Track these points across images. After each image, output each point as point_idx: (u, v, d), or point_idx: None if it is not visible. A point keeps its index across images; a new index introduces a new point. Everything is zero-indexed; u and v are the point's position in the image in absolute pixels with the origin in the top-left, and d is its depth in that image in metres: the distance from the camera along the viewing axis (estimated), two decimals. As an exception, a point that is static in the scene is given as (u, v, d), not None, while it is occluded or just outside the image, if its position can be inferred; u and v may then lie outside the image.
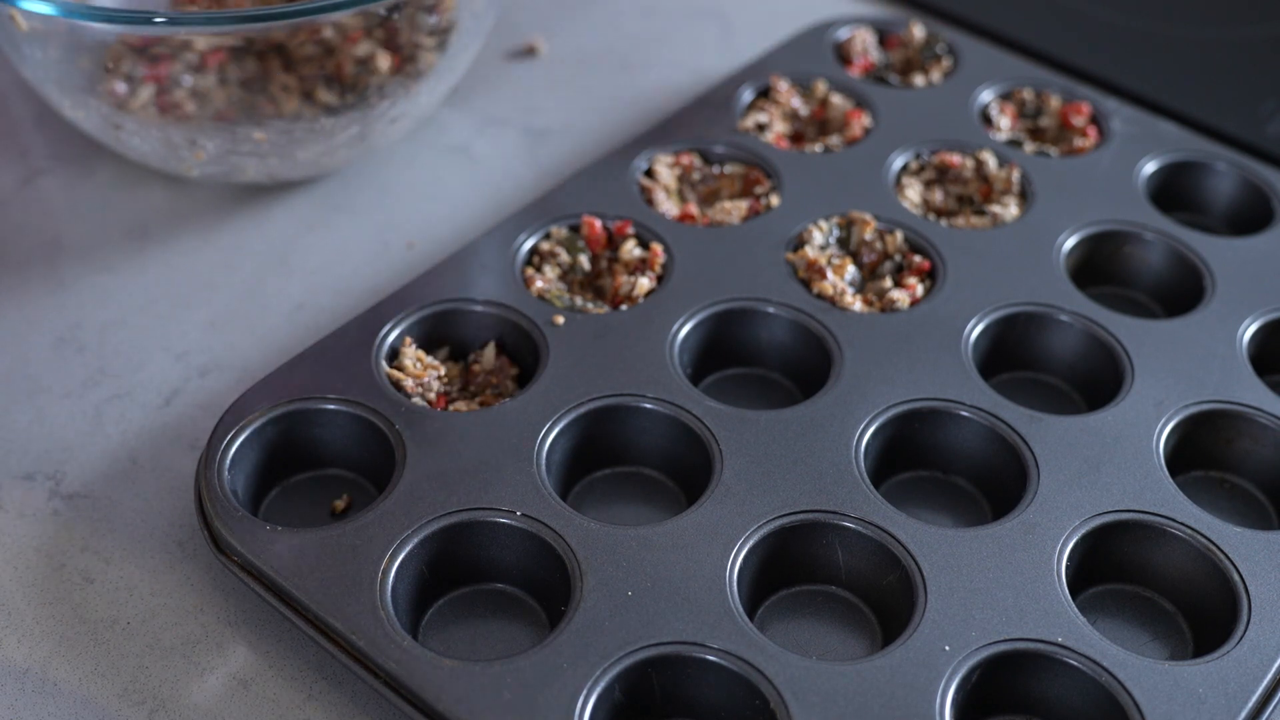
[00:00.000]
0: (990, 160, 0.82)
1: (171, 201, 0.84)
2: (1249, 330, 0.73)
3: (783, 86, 0.87)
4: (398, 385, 0.68)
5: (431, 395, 0.68)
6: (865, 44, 0.91)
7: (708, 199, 0.81)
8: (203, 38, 0.77)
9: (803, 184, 0.79)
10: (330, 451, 0.67)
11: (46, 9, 0.69)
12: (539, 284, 0.73)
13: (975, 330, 0.72)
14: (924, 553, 0.61)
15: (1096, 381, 0.72)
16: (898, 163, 0.82)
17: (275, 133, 0.78)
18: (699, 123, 0.84)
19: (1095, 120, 0.86)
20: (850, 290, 0.74)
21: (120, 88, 0.78)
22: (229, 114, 0.78)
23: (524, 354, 0.71)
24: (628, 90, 0.93)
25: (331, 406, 0.66)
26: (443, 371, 0.69)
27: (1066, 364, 0.73)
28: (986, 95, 0.88)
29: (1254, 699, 0.57)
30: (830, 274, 0.74)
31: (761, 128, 0.84)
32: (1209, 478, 0.69)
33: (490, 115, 0.91)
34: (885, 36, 0.93)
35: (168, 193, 0.84)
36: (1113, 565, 0.64)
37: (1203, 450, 0.69)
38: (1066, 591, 0.60)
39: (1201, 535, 0.62)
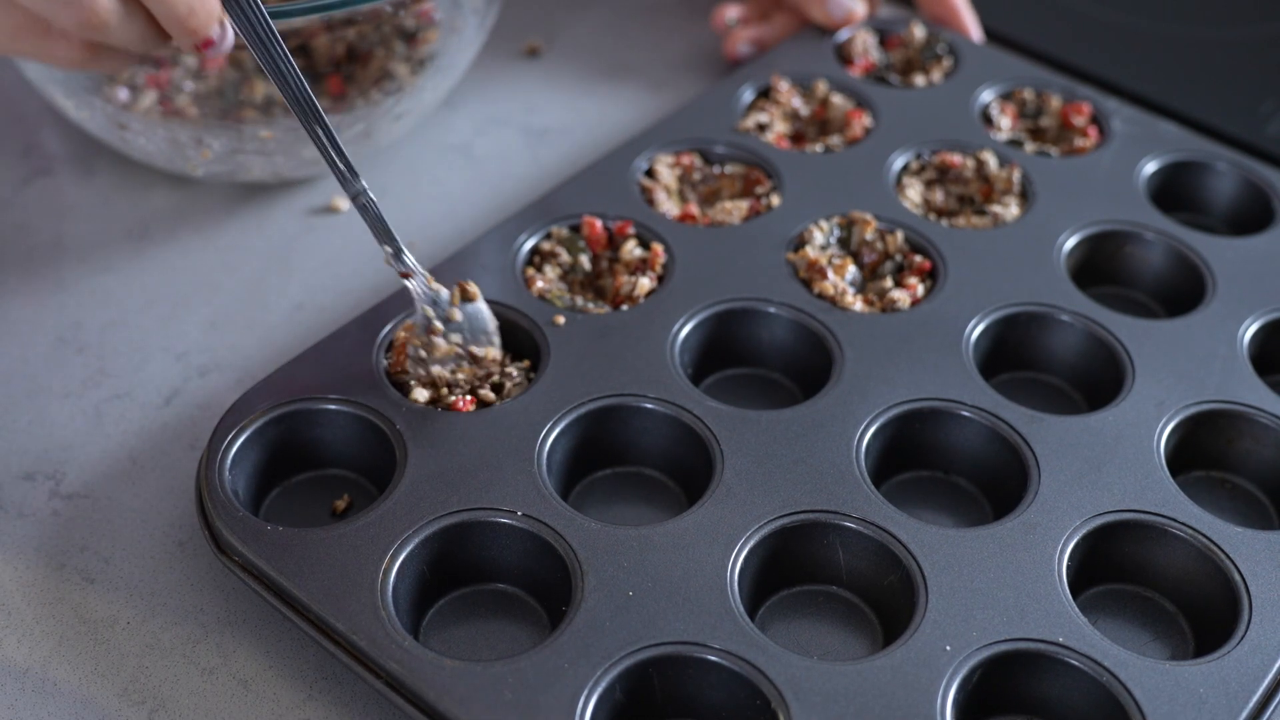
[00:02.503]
0: (991, 160, 0.82)
1: (172, 202, 0.84)
2: (1250, 330, 0.73)
3: (783, 86, 0.87)
4: (400, 387, 0.67)
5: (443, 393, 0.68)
6: (866, 44, 0.91)
7: (708, 199, 0.81)
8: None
9: (803, 184, 0.79)
10: (330, 451, 0.67)
11: None
12: (540, 284, 0.73)
13: (976, 330, 0.72)
14: (925, 553, 0.61)
15: (1097, 381, 0.72)
16: (898, 163, 0.82)
17: (282, 130, 0.78)
18: (699, 123, 0.84)
19: (1096, 120, 0.86)
20: (851, 290, 0.74)
21: (122, 94, 0.78)
22: (238, 112, 0.78)
23: (525, 354, 0.71)
24: (628, 90, 0.93)
25: (332, 406, 0.66)
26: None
27: (1067, 364, 0.73)
28: (987, 95, 0.88)
29: (1255, 699, 0.57)
30: (831, 274, 0.74)
31: (762, 128, 0.84)
32: (1210, 478, 0.69)
33: (490, 115, 0.91)
34: (886, 36, 0.93)
35: (168, 193, 0.84)
36: (1114, 565, 0.64)
37: (1204, 450, 0.69)
38: (1067, 591, 0.60)
39: (1202, 535, 0.62)
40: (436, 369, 0.66)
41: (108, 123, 0.79)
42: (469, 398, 0.67)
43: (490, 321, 0.68)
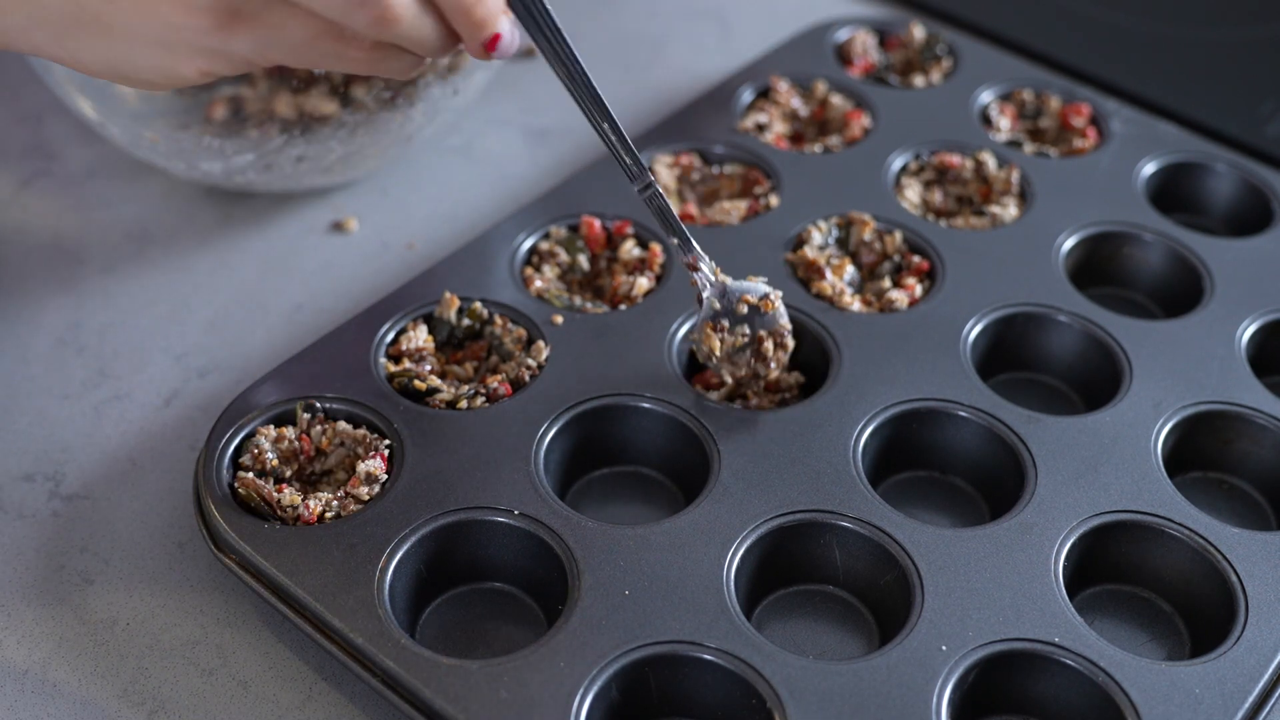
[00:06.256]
0: (990, 161, 0.82)
1: (172, 203, 0.84)
2: (1248, 331, 0.73)
3: (783, 87, 0.87)
4: (405, 391, 0.67)
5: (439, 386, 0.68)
6: (865, 45, 0.91)
7: (707, 199, 0.81)
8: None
9: (802, 184, 0.80)
10: (329, 451, 0.67)
11: None
12: (538, 283, 0.73)
13: (974, 331, 0.72)
14: (921, 553, 0.61)
15: (1095, 382, 0.72)
16: (897, 163, 0.82)
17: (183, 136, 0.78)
18: (699, 123, 0.84)
19: (1095, 121, 0.86)
20: (849, 290, 0.74)
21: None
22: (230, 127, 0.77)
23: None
24: (628, 90, 0.94)
25: (330, 405, 0.66)
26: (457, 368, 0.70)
27: (1065, 364, 0.73)
28: (986, 96, 0.88)
29: (1250, 699, 0.57)
30: (829, 274, 0.74)
31: (761, 128, 0.84)
32: (1207, 478, 0.69)
33: (491, 115, 0.91)
34: (885, 37, 0.93)
35: (168, 194, 0.84)
36: (1110, 565, 0.64)
37: (1201, 451, 0.69)
38: (1064, 592, 0.60)
39: (1199, 536, 0.62)
40: (723, 366, 0.67)
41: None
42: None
43: (783, 318, 0.68)
